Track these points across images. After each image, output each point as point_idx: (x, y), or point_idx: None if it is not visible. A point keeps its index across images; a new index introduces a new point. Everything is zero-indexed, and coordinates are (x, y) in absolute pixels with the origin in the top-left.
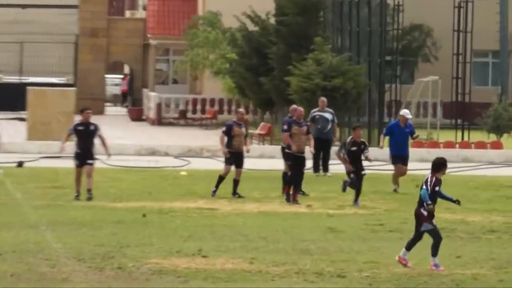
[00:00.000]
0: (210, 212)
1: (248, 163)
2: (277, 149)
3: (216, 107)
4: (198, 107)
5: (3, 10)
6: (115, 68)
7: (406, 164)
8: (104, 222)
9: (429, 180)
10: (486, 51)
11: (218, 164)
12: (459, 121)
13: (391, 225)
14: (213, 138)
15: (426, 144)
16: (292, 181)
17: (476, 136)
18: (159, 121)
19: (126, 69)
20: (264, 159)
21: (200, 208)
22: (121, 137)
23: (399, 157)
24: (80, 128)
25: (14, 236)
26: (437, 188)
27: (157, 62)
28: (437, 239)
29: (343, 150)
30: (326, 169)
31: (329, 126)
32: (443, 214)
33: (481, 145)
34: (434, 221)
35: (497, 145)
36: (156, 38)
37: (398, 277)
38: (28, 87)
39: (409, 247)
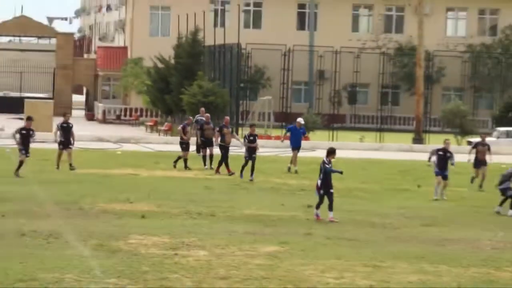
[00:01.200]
0: (133, 177)
1: (158, 147)
2: (176, 139)
3: (138, 113)
4: (128, 112)
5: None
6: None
7: (299, 150)
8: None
9: (325, 160)
10: (300, 82)
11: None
12: (284, 123)
13: (241, 185)
14: (136, 132)
15: (263, 136)
16: (221, 162)
17: None
18: (104, 121)
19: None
20: (167, 145)
21: (127, 174)
22: (80, 130)
23: (296, 147)
24: (24, 132)
25: None
26: (328, 166)
27: (103, 85)
28: (331, 200)
29: (245, 141)
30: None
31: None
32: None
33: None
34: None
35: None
36: (102, 70)
37: (252, 217)
38: (26, 100)
39: (318, 206)
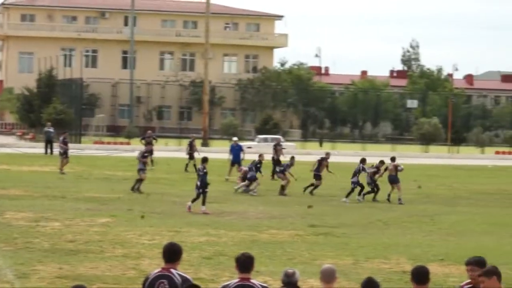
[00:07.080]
0: (7, 170)
1: (25, 150)
2: (38, 144)
3: (11, 126)
4: (3, 126)
5: None
6: None
7: (239, 164)
8: None
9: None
10: (124, 104)
11: None
12: (113, 133)
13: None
14: (9, 139)
15: (98, 142)
16: None
17: None
18: None
19: None
20: (31, 148)
21: (1, 168)
22: None
23: (235, 161)
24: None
25: None
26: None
27: None
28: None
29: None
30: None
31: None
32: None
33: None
34: None
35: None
36: None
37: (91, 198)
38: None
39: (193, 201)
